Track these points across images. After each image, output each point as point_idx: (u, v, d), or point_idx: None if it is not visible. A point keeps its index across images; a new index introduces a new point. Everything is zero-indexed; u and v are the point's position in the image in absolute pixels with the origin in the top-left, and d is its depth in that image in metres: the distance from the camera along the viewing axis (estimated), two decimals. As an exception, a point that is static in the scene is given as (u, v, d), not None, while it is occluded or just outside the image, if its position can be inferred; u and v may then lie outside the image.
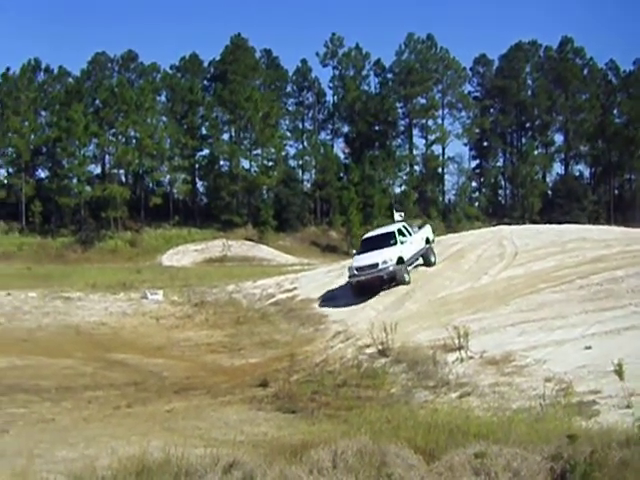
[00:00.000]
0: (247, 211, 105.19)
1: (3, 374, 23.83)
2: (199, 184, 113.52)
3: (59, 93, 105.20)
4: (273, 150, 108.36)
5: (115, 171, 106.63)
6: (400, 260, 33.00)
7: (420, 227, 38.27)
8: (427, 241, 36.44)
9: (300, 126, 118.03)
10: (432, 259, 36.02)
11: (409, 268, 33.86)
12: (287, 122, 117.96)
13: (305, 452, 10.02)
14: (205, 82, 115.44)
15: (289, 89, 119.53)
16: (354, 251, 37.26)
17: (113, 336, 33.05)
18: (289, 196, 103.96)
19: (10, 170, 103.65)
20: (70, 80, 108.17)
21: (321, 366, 22.61)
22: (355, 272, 33.03)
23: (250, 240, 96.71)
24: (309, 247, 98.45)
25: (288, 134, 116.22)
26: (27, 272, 59.74)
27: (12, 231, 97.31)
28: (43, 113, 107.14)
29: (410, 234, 35.34)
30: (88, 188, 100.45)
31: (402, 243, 34.06)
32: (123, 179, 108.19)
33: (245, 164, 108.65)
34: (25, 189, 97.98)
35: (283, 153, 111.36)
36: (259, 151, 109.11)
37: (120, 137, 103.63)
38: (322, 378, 20.80)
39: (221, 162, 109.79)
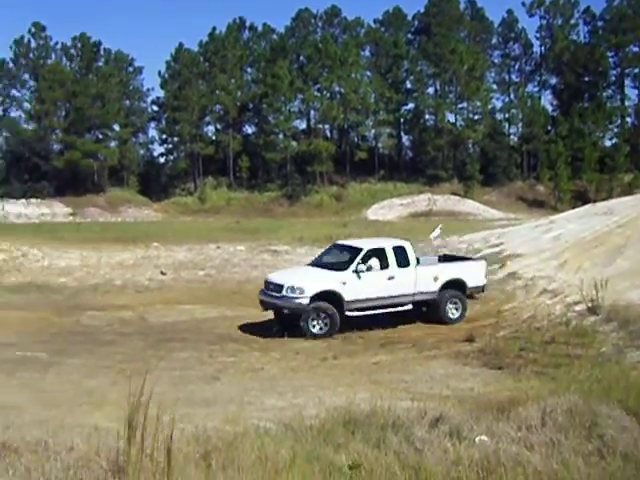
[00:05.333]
0: (452, 165, 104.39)
1: (214, 324, 24.74)
2: (404, 138, 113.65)
3: (264, 50, 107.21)
4: (479, 103, 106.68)
5: (320, 126, 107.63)
6: None
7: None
8: None
9: (506, 78, 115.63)
10: None
11: None
12: (493, 75, 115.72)
13: (513, 409, 9.90)
14: (409, 35, 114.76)
15: (494, 41, 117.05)
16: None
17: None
18: (495, 150, 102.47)
19: (218, 127, 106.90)
20: (275, 37, 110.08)
21: (528, 322, 22.28)
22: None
23: (456, 195, 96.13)
24: (515, 202, 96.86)
25: (494, 87, 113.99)
26: (235, 226, 61.38)
27: (220, 186, 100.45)
28: (249, 70, 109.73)
29: None
30: (294, 143, 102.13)
31: None
32: (328, 134, 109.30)
33: (450, 118, 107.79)
34: (233, 145, 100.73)
35: (489, 106, 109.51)
36: (464, 104, 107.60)
37: (325, 92, 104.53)
38: (529, 335, 20.49)
39: (426, 116, 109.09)
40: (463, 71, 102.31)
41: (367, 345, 21.23)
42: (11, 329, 24.28)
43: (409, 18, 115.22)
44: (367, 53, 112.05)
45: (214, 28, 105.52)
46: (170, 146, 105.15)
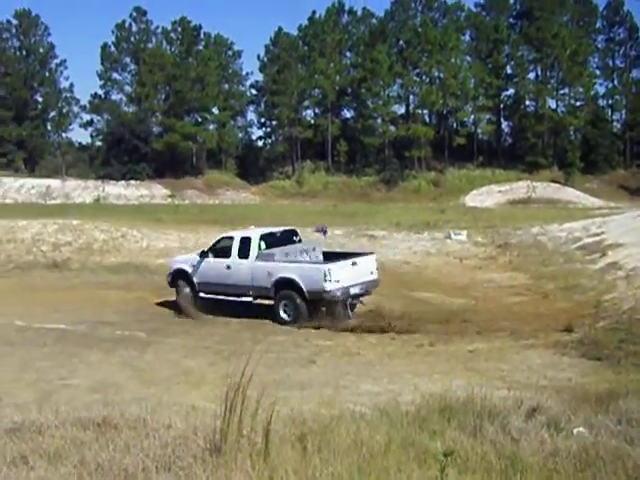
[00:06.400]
0: (553, 152, 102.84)
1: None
2: (504, 124, 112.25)
3: (363, 34, 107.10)
4: (581, 89, 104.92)
5: (419, 111, 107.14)
6: None
7: None
8: None
9: (610, 64, 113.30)
10: None
11: None
12: (596, 60, 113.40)
13: (612, 401, 9.76)
14: (511, 20, 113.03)
15: (599, 25, 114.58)
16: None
17: (416, 275, 33.50)
18: (597, 137, 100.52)
19: (317, 111, 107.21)
20: (374, 21, 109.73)
21: (629, 314, 21.84)
22: None
23: (555, 182, 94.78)
24: (617, 190, 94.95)
25: (597, 72, 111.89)
26: (333, 210, 61.62)
27: (318, 170, 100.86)
28: (348, 54, 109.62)
29: None
30: (392, 128, 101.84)
31: None
32: (427, 119, 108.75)
33: (552, 104, 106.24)
34: (331, 129, 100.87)
35: (592, 92, 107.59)
36: (566, 90, 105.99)
37: (424, 77, 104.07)
38: (630, 326, 20.11)
39: (527, 102, 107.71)
40: (565, 56, 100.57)
41: (463, 332, 21.12)
42: (111, 308, 24.87)
43: (511, 2, 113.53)
44: (467, 37, 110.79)
45: (314, 12, 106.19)
46: (268, 130, 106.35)
